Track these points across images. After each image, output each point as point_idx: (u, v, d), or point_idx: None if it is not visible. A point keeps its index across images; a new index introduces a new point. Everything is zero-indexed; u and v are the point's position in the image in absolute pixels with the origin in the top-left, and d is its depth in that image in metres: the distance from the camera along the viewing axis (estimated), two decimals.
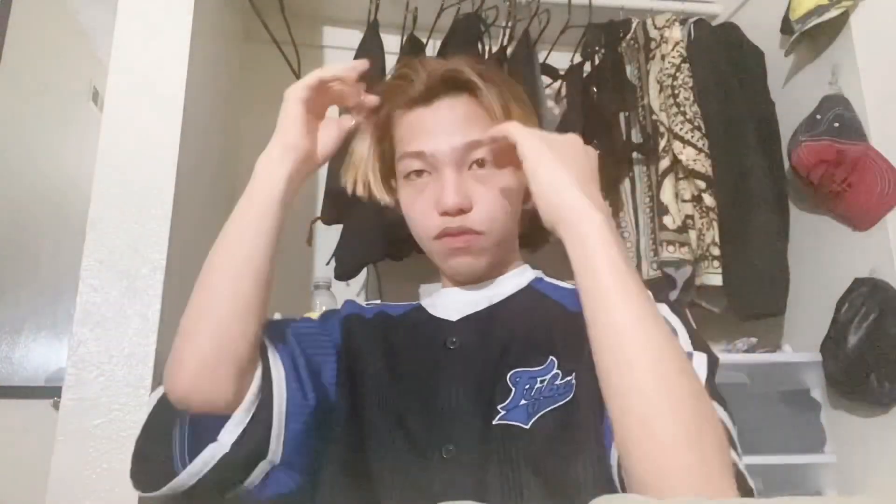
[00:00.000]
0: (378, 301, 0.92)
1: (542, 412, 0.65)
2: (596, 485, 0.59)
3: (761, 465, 1.53)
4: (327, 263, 1.70)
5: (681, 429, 0.49)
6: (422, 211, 0.75)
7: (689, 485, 0.47)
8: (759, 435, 1.53)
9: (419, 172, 0.75)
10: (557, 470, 0.61)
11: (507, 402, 0.66)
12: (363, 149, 0.82)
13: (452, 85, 0.75)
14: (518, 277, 0.80)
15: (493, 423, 0.65)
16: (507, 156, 0.71)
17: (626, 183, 1.79)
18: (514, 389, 0.67)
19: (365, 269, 1.78)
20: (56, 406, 1.14)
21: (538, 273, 0.83)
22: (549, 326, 0.73)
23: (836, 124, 1.52)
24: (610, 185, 1.79)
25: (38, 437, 1.40)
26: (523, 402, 0.66)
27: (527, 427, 0.64)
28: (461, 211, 0.72)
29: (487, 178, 0.74)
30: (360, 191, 0.83)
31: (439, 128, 0.74)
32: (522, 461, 0.62)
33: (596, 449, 0.61)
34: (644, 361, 0.52)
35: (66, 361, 1.13)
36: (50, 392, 1.59)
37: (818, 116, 1.56)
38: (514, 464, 0.63)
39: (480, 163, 0.73)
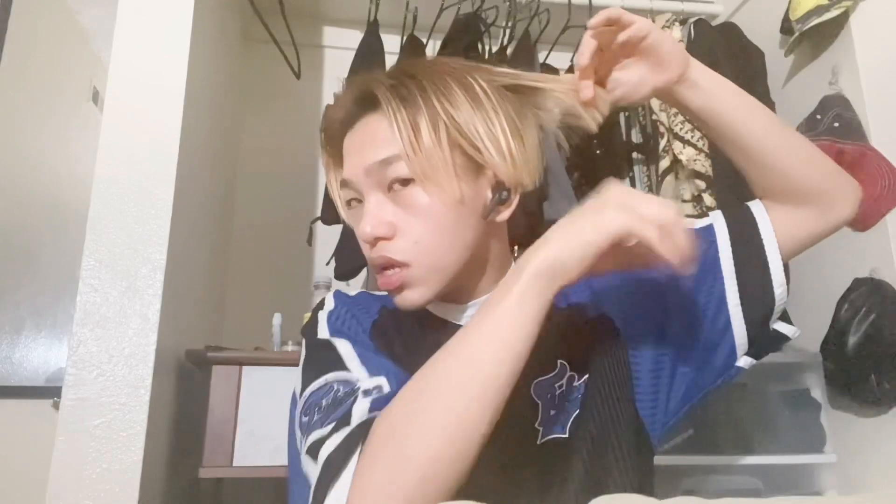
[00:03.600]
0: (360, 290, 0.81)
1: (572, 417, 0.65)
2: (635, 470, 0.64)
3: (761, 465, 1.53)
4: (327, 263, 1.70)
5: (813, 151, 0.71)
6: (360, 235, 0.66)
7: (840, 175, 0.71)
8: (759, 435, 1.53)
9: (356, 200, 0.68)
10: (603, 470, 0.63)
11: (540, 416, 0.65)
12: (329, 183, 0.75)
13: (369, 103, 0.66)
14: None
15: (538, 443, 0.64)
16: (441, 167, 0.62)
17: (626, 183, 1.79)
18: (539, 402, 0.65)
19: (365, 269, 1.78)
20: (56, 406, 1.14)
21: None
22: (547, 330, 0.66)
23: (836, 124, 1.52)
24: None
25: (38, 437, 1.40)
26: (552, 411, 0.65)
27: (566, 436, 0.64)
28: (380, 239, 0.64)
29: (413, 198, 0.63)
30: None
31: (355, 151, 0.67)
32: (571, 471, 0.62)
33: (630, 431, 0.65)
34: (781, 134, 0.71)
35: (66, 361, 1.14)
36: (50, 392, 1.59)
37: (818, 116, 1.56)
38: (564, 476, 0.62)
39: (403, 182, 0.63)
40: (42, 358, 1.80)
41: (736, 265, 0.68)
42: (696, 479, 1.54)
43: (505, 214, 0.68)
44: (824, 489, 1.59)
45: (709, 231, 0.71)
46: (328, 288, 1.60)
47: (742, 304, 0.67)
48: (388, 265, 0.64)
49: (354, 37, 1.82)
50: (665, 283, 0.68)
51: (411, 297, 0.65)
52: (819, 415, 1.61)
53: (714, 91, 0.69)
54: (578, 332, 0.69)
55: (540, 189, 1.55)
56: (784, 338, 0.71)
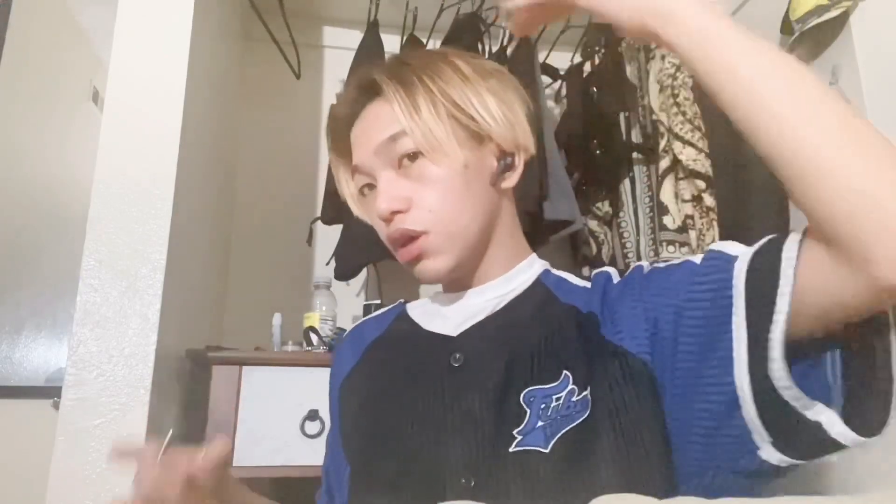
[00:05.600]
0: (363, 315, 0.88)
1: (560, 433, 0.60)
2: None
3: None
4: (327, 263, 1.70)
5: (866, 151, 0.46)
6: (376, 222, 0.71)
7: None
8: None
9: (368, 187, 0.72)
10: (584, 492, 0.56)
11: (523, 425, 0.61)
12: (339, 182, 0.80)
13: (370, 91, 0.71)
14: (525, 273, 0.73)
15: (511, 450, 0.60)
16: (448, 137, 0.67)
17: (626, 183, 1.79)
18: (528, 411, 0.62)
19: (365, 269, 1.78)
20: (56, 406, 1.14)
21: (545, 264, 0.76)
22: (561, 335, 0.66)
23: None
24: (610, 185, 1.79)
25: (38, 437, 1.40)
26: (540, 423, 0.61)
27: (546, 451, 0.59)
28: (396, 213, 0.67)
29: (423, 170, 0.67)
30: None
31: (363, 136, 0.71)
32: (546, 488, 0.58)
33: (626, 457, 0.58)
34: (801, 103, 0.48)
35: (66, 361, 1.14)
36: (50, 392, 1.59)
37: None
38: (538, 492, 0.58)
39: (412, 156, 0.67)
40: (42, 358, 1.80)
41: (748, 318, 0.53)
42: None
43: (512, 180, 0.72)
44: (824, 489, 1.59)
45: (727, 273, 0.56)
46: (328, 288, 1.60)
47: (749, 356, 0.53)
48: (407, 237, 0.68)
49: (354, 37, 1.82)
50: (677, 324, 0.59)
51: (433, 267, 0.68)
52: None
53: (702, 39, 0.54)
54: (590, 343, 0.64)
55: (540, 189, 1.56)
56: (829, 440, 0.52)
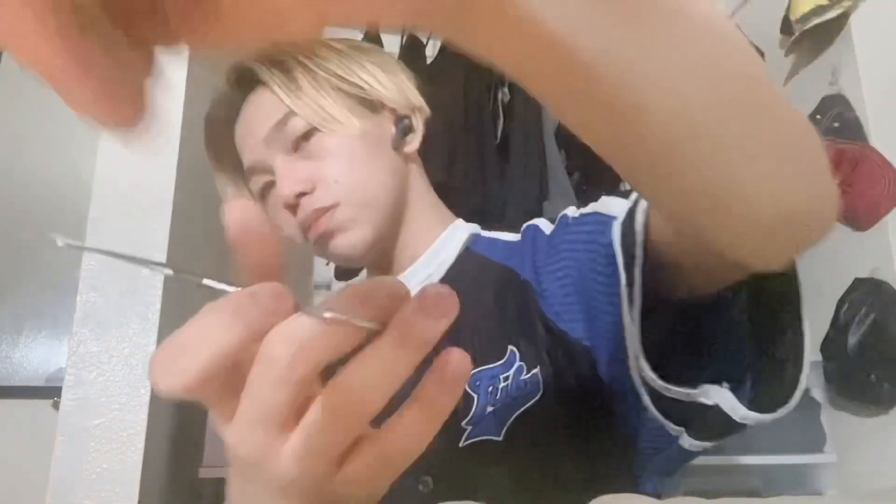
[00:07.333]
0: None
1: (512, 417, 0.55)
2: (594, 476, 0.54)
3: (761, 465, 1.53)
4: (327, 263, 1.70)
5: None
6: (283, 220, 0.64)
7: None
8: (759, 435, 1.54)
9: (268, 186, 0.66)
10: (544, 479, 0.54)
11: (472, 413, 0.56)
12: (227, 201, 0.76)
13: (246, 83, 0.66)
14: (450, 242, 0.68)
15: (461, 444, 0.55)
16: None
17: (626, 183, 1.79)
18: (476, 396, 0.56)
19: (364, 269, 1.78)
20: (56, 406, 1.14)
21: (473, 228, 0.70)
22: (503, 307, 0.61)
23: (836, 124, 1.53)
24: (610, 186, 1.79)
25: (38, 437, 1.41)
26: (490, 408, 0.55)
27: (499, 439, 0.55)
28: (301, 196, 0.62)
29: (320, 146, 0.63)
30: None
31: (248, 132, 0.66)
32: (504, 479, 0.54)
33: (583, 439, 0.55)
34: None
35: (66, 361, 1.14)
36: (50, 392, 1.59)
37: (818, 116, 1.56)
38: (496, 484, 0.54)
39: (305, 136, 0.63)
40: (42, 358, 1.80)
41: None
42: (696, 479, 1.54)
43: (414, 143, 0.68)
44: (824, 489, 1.59)
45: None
46: (328, 288, 1.60)
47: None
48: (318, 216, 0.62)
49: (354, 37, 1.82)
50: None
51: (349, 241, 0.62)
52: (819, 415, 1.61)
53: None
54: (532, 318, 0.59)
55: (540, 188, 1.56)
56: (731, 421, 0.48)
